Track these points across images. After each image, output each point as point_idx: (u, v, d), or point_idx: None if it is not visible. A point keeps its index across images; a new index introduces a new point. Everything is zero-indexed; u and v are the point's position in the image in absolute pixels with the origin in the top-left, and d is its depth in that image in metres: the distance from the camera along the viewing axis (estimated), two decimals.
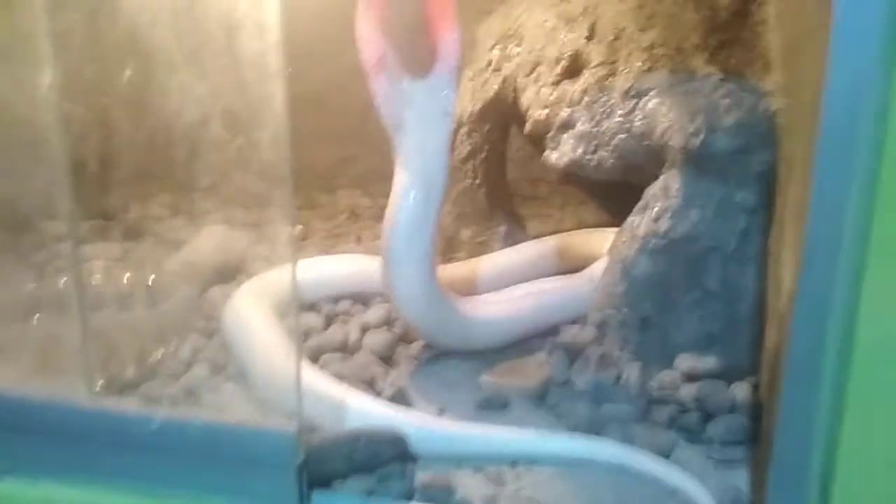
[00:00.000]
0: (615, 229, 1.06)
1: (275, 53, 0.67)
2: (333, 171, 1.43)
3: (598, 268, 0.93)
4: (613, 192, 1.03)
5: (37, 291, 0.88)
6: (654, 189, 0.75)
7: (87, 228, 1.15)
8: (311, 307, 0.89)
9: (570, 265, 1.06)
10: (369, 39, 0.74)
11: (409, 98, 0.75)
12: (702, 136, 0.71)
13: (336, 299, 0.90)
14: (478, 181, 1.08)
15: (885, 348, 0.52)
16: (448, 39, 0.75)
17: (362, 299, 0.91)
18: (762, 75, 0.78)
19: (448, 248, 1.06)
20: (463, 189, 1.07)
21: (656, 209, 0.73)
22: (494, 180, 1.10)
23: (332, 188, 1.41)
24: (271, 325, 0.78)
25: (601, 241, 1.06)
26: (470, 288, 0.98)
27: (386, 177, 0.81)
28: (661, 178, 0.75)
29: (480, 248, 1.08)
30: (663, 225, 0.72)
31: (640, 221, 0.74)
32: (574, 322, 0.85)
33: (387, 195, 1.34)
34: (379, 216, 1.33)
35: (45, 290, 0.88)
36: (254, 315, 0.79)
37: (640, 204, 0.75)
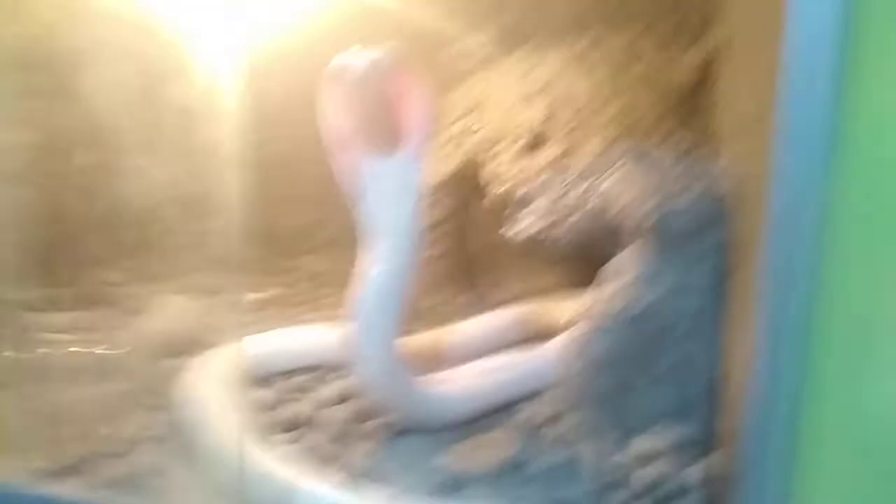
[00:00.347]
0: (576, 300, 1.07)
1: (233, 136, 0.67)
2: (298, 235, 1.42)
3: (557, 342, 0.93)
4: (575, 261, 1.04)
5: None
6: (611, 266, 0.75)
7: (39, 296, 1.12)
8: (265, 381, 0.88)
9: (533, 335, 1.05)
10: (334, 116, 0.74)
11: (375, 176, 0.75)
12: (657, 216, 0.72)
13: (291, 373, 0.88)
14: (440, 251, 1.08)
15: (832, 433, 0.52)
16: (414, 116, 0.75)
17: (318, 373, 0.89)
18: (715, 154, 0.79)
19: (409, 319, 1.05)
20: (424, 259, 1.06)
21: (613, 287, 0.73)
22: (456, 251, 1.10)
23: (296, 253, 1.39)
24: (222, 404, 0.76)
25: (562, 311, 1.06)
26: (432, 360, 0.96)
27: (351, 243, 0.81)
28: (618, 256, 0.75)
29: (442, 319, 1.07)
30: (619, 303, 0.72)
31: (597, 299, 0.74)
32: (534, 397, 0.85)
33: (352, 261, 1.34)
34: (342, 282, 1.33)
35: None
36: (204, 393, 0.77)
37: (598, 280, 0.75)
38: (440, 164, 1.07)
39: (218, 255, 0.99)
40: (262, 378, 0.88)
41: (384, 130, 0.75)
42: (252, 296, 1.22)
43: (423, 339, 0.99)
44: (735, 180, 0.72)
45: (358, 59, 0.69)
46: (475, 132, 1.03)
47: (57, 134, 0.86)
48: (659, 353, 0.72)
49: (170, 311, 0.96)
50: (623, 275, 0.73)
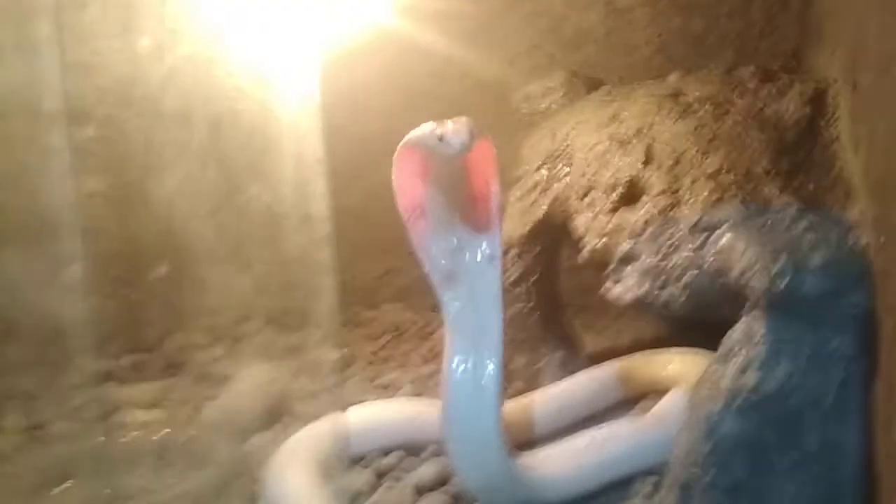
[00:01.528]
0: (677, 350, 0.98)
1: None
2: (376, 284, 1.37)
3: (667, 408, 0.84)
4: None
5: (69, 451, 0.82)
6: (736, 334, 0.66)
7: (124, 364, 1.10)
8: (358, 461, 0.81)
9: (633, 392, 0.97)
10: (408, 187, 0.69)
11: (453, 246, 0.70)
12: (788, 278, 0.63)
13: (385, 451, 0.82)
14: (531, 305, 1.00)
15: None
16: (490, 185, 0.70)
17: (413, 449, 0.82)
18: (844, 203, 0.70)
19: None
20: (515, 314, 0.99)
21: (741, 359, 0.65)
22: (548, 303, 1.02)
23: (375, 303, 1.35)
24: (318, 493, 0.70)
25: (664, 365, 0.97)
26: (527, 426, 0.89)
27: (430, 289, 0.76)
28: (743, 322, 0.66)
29: (536, 377, 0.99)
30: (751, 378, 0.64)
31: (723, 372, 0.65)
32: (648, 473, 0.76)
33: (431, 308, 1.28)
34: (424, 333, 1.27)
35: (77, 448, 0.82)
36: (298, 482, 0.71)
37: (722, 351, 0.67)
38: (526, 213, 1.00)
39: (302, 313, 0.95)
40: (356, 456, 0.82)
41: (460, 200, 0.70)
42: (336, 353, 1.18)
43: (517, 405, 0.92)
44: (877, 235, 0.63)
45: (457, 136, 0.63)
46: (563, 178, 0.96)
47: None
48: (800, 435, 0.63)
49: (256, 380, 0.92)
50: (752, 344, 0.65)
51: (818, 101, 0.83)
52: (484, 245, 0.70)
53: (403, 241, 0.79)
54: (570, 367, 0.99)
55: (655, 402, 0.87)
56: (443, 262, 0.70)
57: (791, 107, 0.83)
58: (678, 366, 0.95)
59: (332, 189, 1.37)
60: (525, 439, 0.85)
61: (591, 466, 0.76)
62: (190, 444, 0.82)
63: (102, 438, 0.80)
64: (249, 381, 0.93)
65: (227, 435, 0.83)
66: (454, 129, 0.63)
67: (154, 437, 0.84)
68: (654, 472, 0.76)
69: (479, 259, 0.70)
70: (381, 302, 1.35)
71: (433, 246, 0.70)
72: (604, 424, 0.81)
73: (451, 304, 0.70)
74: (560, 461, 0.76)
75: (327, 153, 1.26)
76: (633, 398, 0.96)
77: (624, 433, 0.79)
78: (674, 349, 0.98)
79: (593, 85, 1.08)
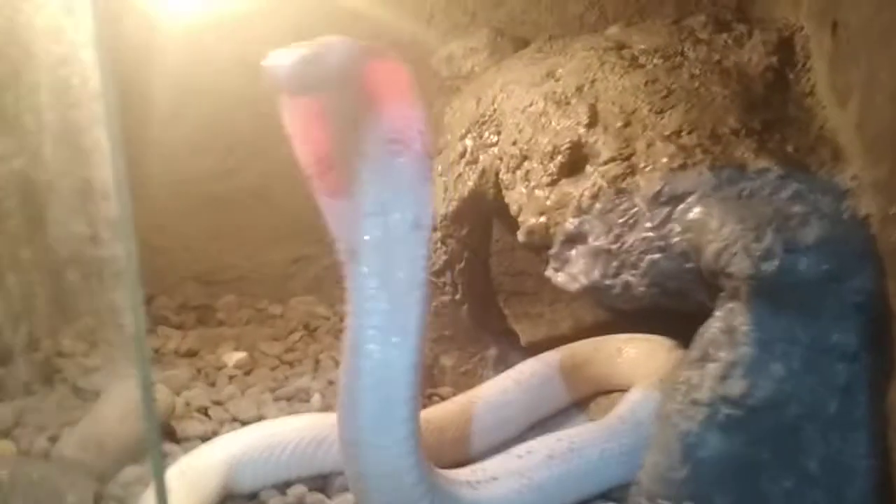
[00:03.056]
0: (624, 336, 0.85)
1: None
2: (284, 275, 1.20)
3: (631, 407, 0.70)
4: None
5: None
6: (710, 332, 0.53)
7: None
8: (252, 498, 0.65)
9: (579, 387, 0.84)
10: (302, 132, 0.52)
11: (368, 207, 0.53)
12: (777, 260, 0.49)
13: (284, 485, 0.65)
14: (458, 297, 0.86)
15: None
16: (410, 124, 0.53)
17: (321, 482, 0.66)
18: (832, 166, 0.57)
19: (427, 382, 0.83)
20: (441, 307, 0.85)
21: (721, 363, 0.51)
22: (479, 293, 0.88)
23: (284, 296, 1.18)
24: None
25: (612, 353, 0.85)
26: (461, 434, 0.75)
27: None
28: (720, 314, 0.53)
29: (467, 379, 0.85)
30: (735, 387, 0.50)
31: (699, 380, 0.52)
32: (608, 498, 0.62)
33: (347, 302, 1.12)
34: (338, 331, 1.11)
35: None
36: None
37: (695, 354, 0.53)
38: (450, 190, 0.85)
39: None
40: (247, 494, 0.65)
41: (373, 144, 0.53)
42: (236, 356, 1.01)
43: (447, 409, 0.77)
44: (881, 204, 0.50)
45: (276, 63, 0.46)
46: (493, 145, 0.81)
47: None
48: (797, 454, 0.50)
49: (121, 405, 0.73)
50: (733, 344, 0.51)
51: (784, 50, 0.70)
52: (408, 206, 0.53)
53: (315, 224, 0.63)
54: (505, 366, 0.85)
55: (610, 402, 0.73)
56: (353, 227, 0.53)
57: (754, 57, 0.70)
58: (633, 356, 0.81)
59: (230, 168, 1.20)
60: (459, 452, 0.70)
61: (547, 487, 0.61)
62: (39, 485, 0.64)
63: None
64: (114, 407, 0.74)
65: (88, 470, 0.65)
66: (277, 53, 0.46)
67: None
68: (612, 497, 0.62)
69: (401, 225, 0.53)
70: (290, 295, 1.18)
71: (342, 206, 0.53)
72: (562, 431, 0.66)
73: (360, 280, 0.54)
74: (512, 482, 0.61)
75: (219, 119, 1.07)
76: (579, 392, 0.82)
77: (586, 440, 0.64)
78: (623, 335, 0.85)
79: (521, 44, 0.94)
